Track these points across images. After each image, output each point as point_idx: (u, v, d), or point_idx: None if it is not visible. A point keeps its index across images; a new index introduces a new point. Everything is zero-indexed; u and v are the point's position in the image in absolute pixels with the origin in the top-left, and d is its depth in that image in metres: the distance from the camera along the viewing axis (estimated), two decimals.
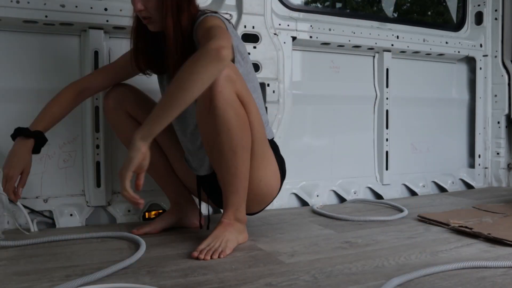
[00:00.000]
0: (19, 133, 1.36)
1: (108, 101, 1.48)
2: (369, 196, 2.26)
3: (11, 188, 1.34)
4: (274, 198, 1.46)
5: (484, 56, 2.56)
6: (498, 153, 2.57)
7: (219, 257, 1.21)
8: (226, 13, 1.41)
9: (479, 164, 2.58)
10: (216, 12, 1.33)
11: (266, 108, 1.92)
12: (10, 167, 1.33)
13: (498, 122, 2.56)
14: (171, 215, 1.57)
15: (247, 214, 1.39)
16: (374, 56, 2.30)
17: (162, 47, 1.36)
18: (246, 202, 1.33)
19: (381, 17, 2.87)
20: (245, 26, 1.88)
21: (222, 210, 1.38)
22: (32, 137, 1.35)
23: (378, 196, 2.25)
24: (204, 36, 1.17)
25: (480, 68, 2.55)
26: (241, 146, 1.23)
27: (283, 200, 2.01)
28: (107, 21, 1.66)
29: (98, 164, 1.70)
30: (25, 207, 1.51)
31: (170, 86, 1.12)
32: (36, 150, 1.38)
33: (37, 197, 1.64)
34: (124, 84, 1.51)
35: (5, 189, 1.33)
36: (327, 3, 4.23)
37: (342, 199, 2.17)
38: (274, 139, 1.50)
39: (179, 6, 1.27)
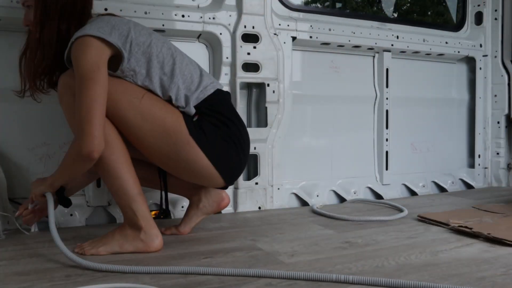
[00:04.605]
0: None
1: None
2: (369, 196, 2.26)
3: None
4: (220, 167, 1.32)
5: (484, 56, 2.56)
6: (498, 153, 2.57)
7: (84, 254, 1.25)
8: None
9: (479, 164, 2.58)
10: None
11: (266, 108, 1.92)
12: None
13: (498, 122, 2.56)
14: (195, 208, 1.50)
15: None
16: (374, 56, 2.30)
17: None
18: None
19: (381, 17, 2.88)
20: (245, 26, 1.88)
21: None
22: None
23: (378, 196, 2.25)
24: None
25: (480, 68, 2.55)
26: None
27: (283, 200, 2.00)
28: None
29: None
30: None
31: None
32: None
33: None
34: None
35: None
36: (327, 3, 4.23)
37: (342, 199, 2.17)
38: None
39: None
